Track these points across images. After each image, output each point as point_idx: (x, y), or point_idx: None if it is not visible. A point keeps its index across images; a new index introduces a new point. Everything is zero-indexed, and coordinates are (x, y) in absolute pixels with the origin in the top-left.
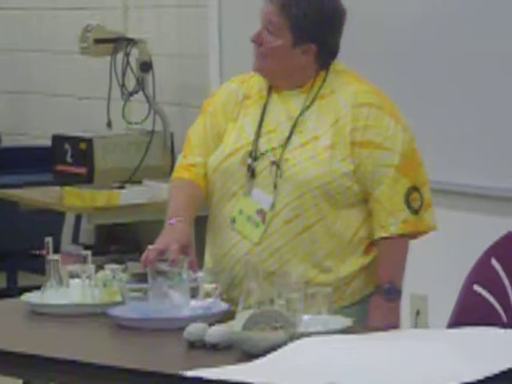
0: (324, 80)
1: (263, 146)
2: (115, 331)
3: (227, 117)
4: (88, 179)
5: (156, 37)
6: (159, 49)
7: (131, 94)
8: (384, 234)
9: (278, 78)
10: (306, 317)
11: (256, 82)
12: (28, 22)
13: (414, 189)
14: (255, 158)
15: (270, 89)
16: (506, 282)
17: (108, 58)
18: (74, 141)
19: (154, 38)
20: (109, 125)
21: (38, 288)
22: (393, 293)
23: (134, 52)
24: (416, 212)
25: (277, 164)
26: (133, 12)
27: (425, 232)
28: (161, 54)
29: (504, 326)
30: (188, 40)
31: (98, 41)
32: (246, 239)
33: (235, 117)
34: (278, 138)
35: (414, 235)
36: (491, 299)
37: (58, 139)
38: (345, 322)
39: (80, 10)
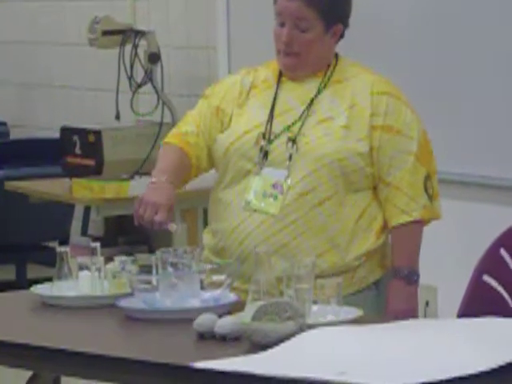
0: (334, 68)
1: (278, 126)
2: (124, 323)
3: (229, 103)
4: (97, 171)
5: (164, 28)
6: (167, 40)
7: (139, 86)
8: (408, 219)
9: (306, 69)
10: (315, 307)
11: (261, 73)
12: (36, 14)
13: (429, 177)
14: (269, 140)
15: (280, 77)
16: None
17: (116, 50)
18: (83, 133)
19: (162, 30)
20: (117, 117)
21: (47, 280)
22: (413, 276)
23: (143, 43)
24: (431, 199)
25: (293, 140)
26: (141, 3)
27: (434, 220)
28: (169, 46)
29: None
30: (196, 31)
31: (106, 32)
32: (259, 213)
33: (241, 103)
34: (293, 118)
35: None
36: (500, 289)
37: (67, 131)
38: (356, 312)
39: (88, 2)
